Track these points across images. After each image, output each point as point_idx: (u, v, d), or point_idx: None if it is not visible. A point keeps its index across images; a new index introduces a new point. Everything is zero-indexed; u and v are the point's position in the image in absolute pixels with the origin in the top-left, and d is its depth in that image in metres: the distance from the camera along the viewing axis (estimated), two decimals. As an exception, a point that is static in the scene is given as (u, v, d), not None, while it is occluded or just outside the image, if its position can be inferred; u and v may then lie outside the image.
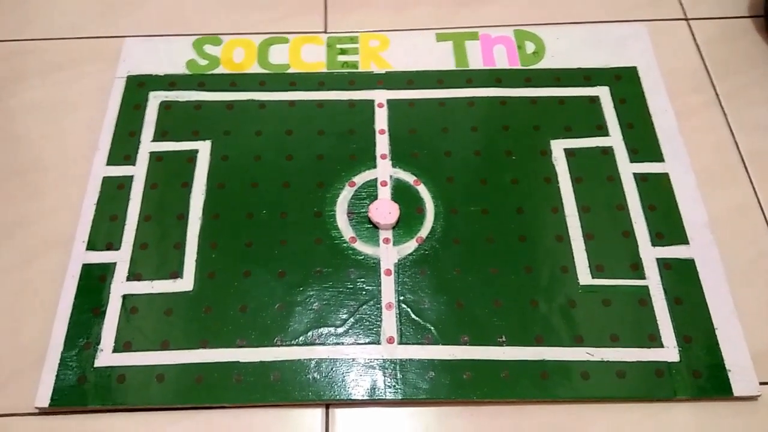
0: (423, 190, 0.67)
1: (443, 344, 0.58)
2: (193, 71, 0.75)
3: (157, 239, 0.63)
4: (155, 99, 0.73)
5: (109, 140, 0.70)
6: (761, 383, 0.57)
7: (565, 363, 0.58)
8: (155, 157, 0.69)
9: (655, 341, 0.59)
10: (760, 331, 0.60)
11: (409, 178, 0.68)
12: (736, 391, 0.56)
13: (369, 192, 0.67)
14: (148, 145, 0.70)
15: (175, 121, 0.71)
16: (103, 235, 0.64)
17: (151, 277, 0.61)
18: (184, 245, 0.63)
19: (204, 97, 0.73)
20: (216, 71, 0.76)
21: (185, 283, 0.61)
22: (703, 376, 0.57)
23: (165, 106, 0.72)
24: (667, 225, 0.65)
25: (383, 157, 0.69)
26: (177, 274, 0.61)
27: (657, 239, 0.64)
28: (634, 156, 0.69)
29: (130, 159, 0.68)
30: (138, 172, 0.68)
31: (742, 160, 0.70)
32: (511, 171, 0.68)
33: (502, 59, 0.77)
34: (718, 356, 0.58)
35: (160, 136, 0.70)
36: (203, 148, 0.69)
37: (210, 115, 0.72)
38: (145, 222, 0.64)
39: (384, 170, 0.68)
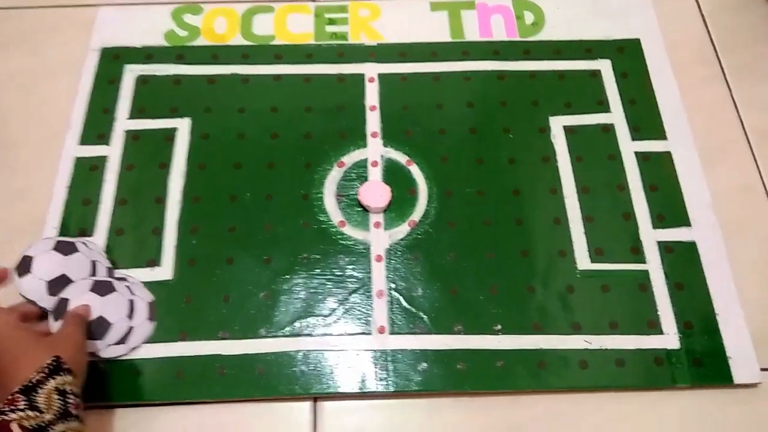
0: (416, 171, 0.64)
1: (436, 333, 0.56)
2: (172, 43, 0.71)
3: (134, 224, 0.60)
4: (131, 73, 0.69)
5: (82, 118, 0.66)
6: (762, 369, 0.55)
7: (563, 352, 0.56)
8: (131, 136, 0.65)
9: (655, 328, 0.57)
10: (762, 315, 0.58)
11: (401, 157, 0.65)
12: (737, 378, 0.55)
13: (359, 173, 0.64)
14: (123, 122, 0.66)
15: (153, 97, 0.67)
16: (76, 220, 0.60)
17: (127, 265, 0.58)
18: (162, 231, 0.60)
19: (183, 70, 0.69)
20: (196, 43, 0.71)
21: (164, 271, 0.58)
22: (704, 363, 0.55)
23: (141, 81, 0.68)
24: (669, 206, 0.62)
25: (374, 135, 0.66)
26: (155, 261, 0.58)
27: (658, 221, 0.62)
28: (636, 134, 0.66)
29: (104, 138, 0.65)
30: (113, 152, 0.64)
31: (747, 137, 0.67)
32: (508, 149, 0.65)
33: (500, 30, 0.73)
34: (719, 343, 0.56)
35: (136, 113, 0.66)
36: (183, 126, 0.66)
37: (190, 91, 0.68)
38: (121, 206, 0.61)
39: (375, 149, 0.65)
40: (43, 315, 0.53)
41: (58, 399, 0.43)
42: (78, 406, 0.44)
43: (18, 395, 0.42)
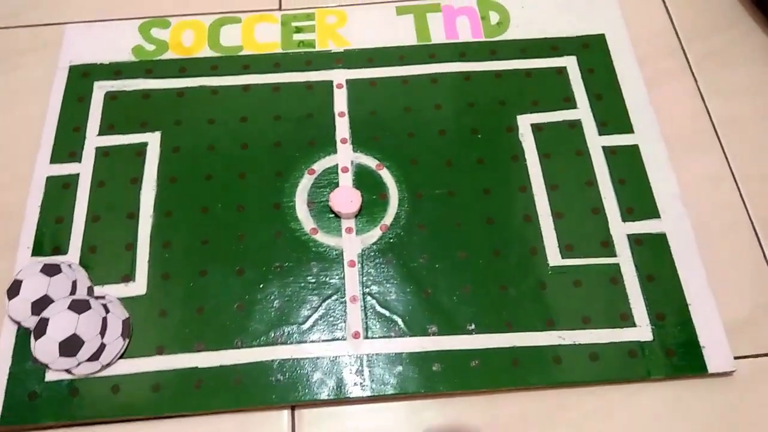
0: (386, 175, 0.64)
1: (411, 336, 0.57)
2: (140, 57, 0.71)
3: (107, 241, 0.60)
4: (100, 89, 0.69)
5: (52, 136, 0.66)
6: (736, 357, 0.56)
7: (537, 348, 0.56)
8: (102, 153, 0.65)
9: (627, 320, 0.57)
10: (734, 303, 0.59)
11: (371, 162, 0.65)
12: (711, 367, 0.55)
13: (329, 179, 0.64)
14: (93, 139, 0.66)
15: (122, 113, 0.67)
16: (49, 239, 0.60)
17: (101, 281, 0.58)
18: (135, 246, 0.60)
19: (152, 85, 0.69)
20: (164, 57, 0.71)
21: (138, 286, 0.58)
22: (677, 354, 0.56)
23: (111, 97, 0.68)
24: (638, 199, 0.63)
25: (344, 141, 0.66)
26: (129, 277, 0.59)
27: (627, 214, 0.62)
28: (603, 128, 0.67)
29: (75, 156, 0.65)
30: (84, 169, 0.64)
31: (714, 127, 0.68)
32: (476, 150, 0.66)
33: (466, 31, 0.73)
34: (692, 333, 0.57)
35: (106, 129, 0.66)
36: (153, 140, 0.66)
37: (159, 105, 0.68)
38: (94, 223, 0.61)
39: (345, 155, 0.65)
40: None
41: None
42: None
43: None
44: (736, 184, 0.65)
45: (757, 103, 0.69)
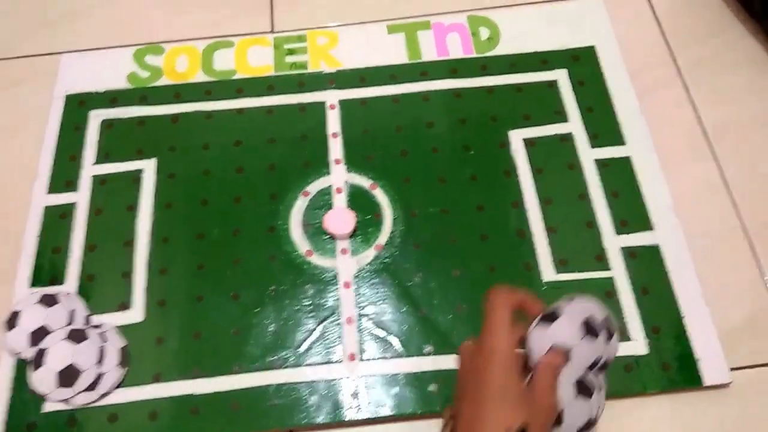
0: (380, 194, 0.65)
1: (407, 356, 0.57)
2: (135, 85, 0.72)
3: (104, 269, 0.61)
4: (96, 118, 0.70)
5: (49, 166, 0.67)
6: (732, 369, 0.56)
7: (533, 365, 0.56)
8: (98, 181, 0.66)
9: (623, 334, 0.57)
10: (728, 314, 0.58)
11: (365, 182, 0.66)
12: (707, 380, 0.55)
13: (324, 201, 0.65)
14: (90, 168, 0.67)
15: (118, 140, 0.68)
16: (47, 269, 0.61)
17: (99, 310, 0.59)
18: (132, 273, 0.61)
19: (147, 111, 0.70)
20: (159, 83, 0.72)
21: (135, 313, 0.59)
22: (673, 367, 0.56)
23: (107, 125, 0.69)
24: (631, 211, 0.63)
25: (337, 162, 0.67)
26: (126, 305, 0.59)
27: (621, 227, 0.62)
28: (595, 141, 0.67)
29: (72, 185, 0.66)
30: (81, 198, 0.65)
31: (706, 135, 0.68)
32: (469, 167, 0.66)
33: (456, 48, 0.74)
34: (687, 346, 0.57)
35: (102, 157, 0.67)
36: (148, 167, 0.67)
37: (154, 131, 0.69)
38: (91, 252, 0.62)
39: (338, 176, 0.66)
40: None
41: None
42: None
43: None
44: (729, 193, 0.64)
45: (748, 110, 0.69)
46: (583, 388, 0.43)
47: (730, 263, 0.61)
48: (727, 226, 0.63)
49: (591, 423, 0.44)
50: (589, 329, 0.44)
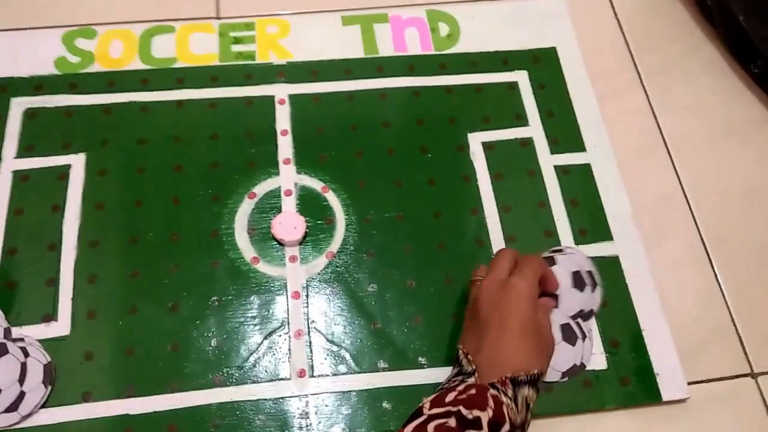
0: (332, 198, 0.61)
1: (360, 372, 0.54)
2: (63, 71, 0.66)
3: (25, 276, 0.55)
4: (18, 106, 0.63)
5: (-37, 159, 0.60)
6: (690, 383, 0.55)
7: (491, 381, 0.54)
8: (20, 177, 0.60)
9: (582, 348, 0.56)
10: (687, 327, 0.58)
11: (316, 184, 0.62)
12: (665, 395, 0.54)
13: (272, 204, 0.60)
14: (10, 162, 0.60)
15: (43, 132, 0.62)
16: (-40, 276, 0.55)
17: (20, 322, 0.53)
18: (57, 281, 0.55)
19: (76, 101, 0.64)
20: (90, 69, 0.66)
21: (60, 326, 0.53)
22: (632, 382, 0.55)
23: (30, 114, 0.63)
24: (591, 220, 0.62)
25: (286, 162, 0.62)
26: (51, 316, 0.54)
27: (580, 236, 0.61)
28: (555, 147, 0.65)
29: (-11, 181, 0.59)
30: (0, 195, 0.58)
31: (665, 143, 0.67)
32: (426, 170, 0.63)
33: (415, 44, 0.70)
34: (646, 360, 0.56)
35: (24, 151, 0.61)
36: (76, 163, 0.61)
37: (84, 123, 0.63)
38: (11, 256, 0.56)
39: (288, 177, 0.62)
40: None
41: (525, 410, 0.44)
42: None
43: (508, 383, 0.43)
44: (688, 204, 0.64)
45: (707, 117, 0.69)
46: (570, 335, 0.51)
47: (688, 276, 0.61)
48: (686, 237, 0.62)
49: (576, 368, 0.52)
50: (578, 281, 0.51)
